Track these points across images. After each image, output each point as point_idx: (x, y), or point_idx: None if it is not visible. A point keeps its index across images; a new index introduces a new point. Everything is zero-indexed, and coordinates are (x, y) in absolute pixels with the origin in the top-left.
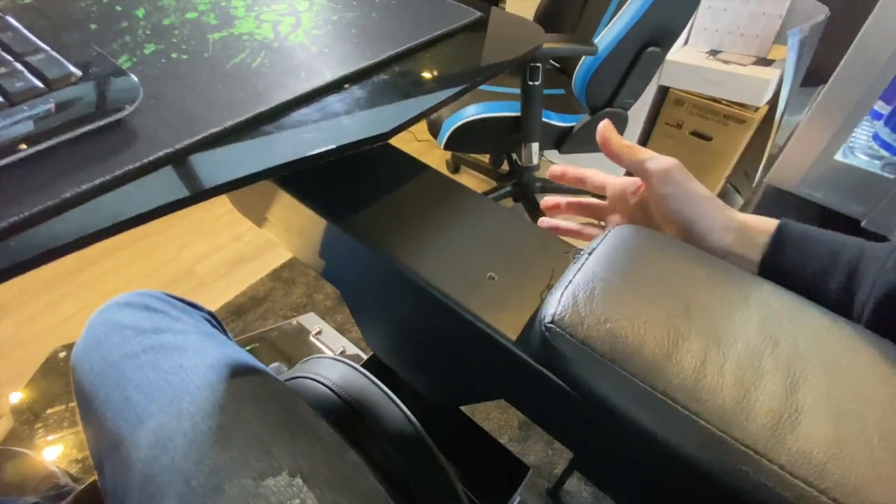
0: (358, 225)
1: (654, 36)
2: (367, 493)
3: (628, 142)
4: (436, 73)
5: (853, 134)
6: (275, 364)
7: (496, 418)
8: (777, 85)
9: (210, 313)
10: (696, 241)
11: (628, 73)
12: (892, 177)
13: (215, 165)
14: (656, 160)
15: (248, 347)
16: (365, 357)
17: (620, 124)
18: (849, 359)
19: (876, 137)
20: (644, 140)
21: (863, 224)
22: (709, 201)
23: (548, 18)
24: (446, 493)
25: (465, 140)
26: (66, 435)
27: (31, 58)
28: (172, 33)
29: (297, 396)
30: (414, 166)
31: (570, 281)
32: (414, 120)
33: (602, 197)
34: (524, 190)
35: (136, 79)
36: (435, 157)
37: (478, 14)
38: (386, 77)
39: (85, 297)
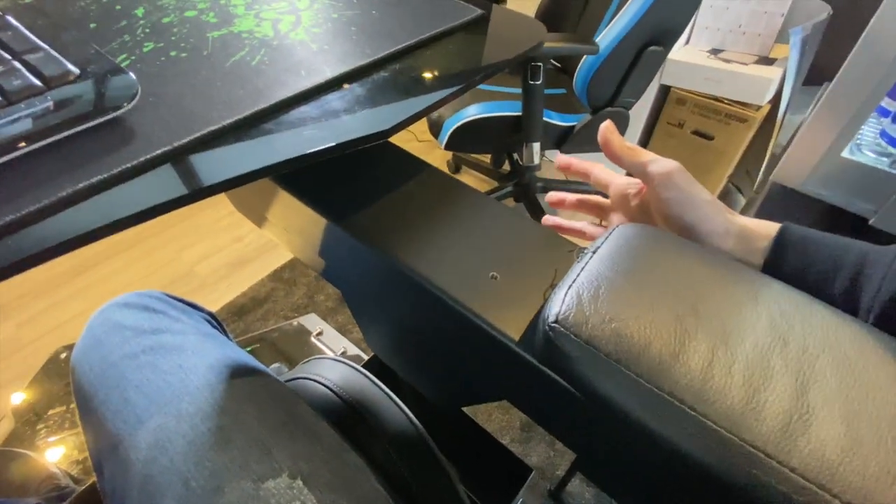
0: (358, 224)
1: (656, 35)
2: (368, 495)
3: (630, 143)
4: (436, 70)
5: (860, 131)
6: (275, 365)
7: (498, 419)
8: (779, 84)
9: (210, 314)
10: (698, 244)
11: (629, 72)
12: None
13: (214, 163)
14: (658, 163)
15: (248, 348)
16: (366, 358)
17: (622, 124)
18: (859, 358)
19: (883, 134)
20: (645, 139)
21: (871, 222)
22: (710, 205)
23: (549, 17)
24: (448, 494)
25: (466, 140)
26: (68, 436)
27: (29, 56)
28: (171, 32)
29: (297, 397)
30: (415, 165)
31: (574, 280)
32: (414, 117)
33: (606, 196)
34: (525, 190)
35: (134, 77)
36: (436, 157)
37: (479, 11)
38: (386, 75)
39: (86, 299)
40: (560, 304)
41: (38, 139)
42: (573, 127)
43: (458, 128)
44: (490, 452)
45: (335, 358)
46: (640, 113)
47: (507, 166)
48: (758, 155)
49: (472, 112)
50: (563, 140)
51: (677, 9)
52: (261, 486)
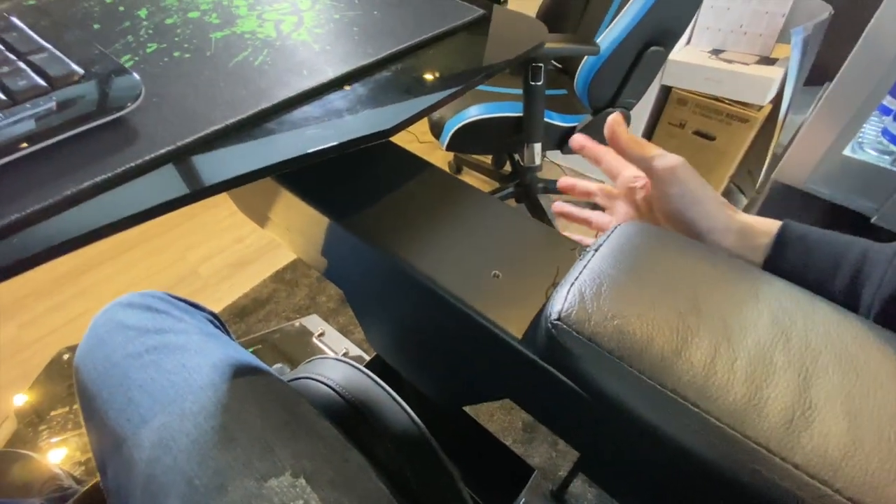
0: (360, 223)
1: (657, 35)
2: (370, 494)
3: (636, 137)
4: (437, 71)
5: (862, 129)
6: (278, 365)
7: (500, 420)
8: (780, 84)
9: (212, 314)
10: (697, 240)
11: (630, 72)
12: None
13: (217, 163)
14: (663, 158)
15: (250, 349)
16: (368, 358)
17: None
18: (862, 354)
19: (885, 133)
20: (647, 140)
21: (873, 220)
22: (712, 201)
23: (550, 18)
24: (450, 493)
25: (467, 141)
26: (70, 437)
27: (34, 57)
28: (175, 32)
29: (299, 397)
30: (416, 164)
31: (577, 278)
32: (416, 117)
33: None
34: (527, 190)
35: (138, 77)
36: (437, 158)
37: (480, 12)
38: (388, 74)
39: (88, 300)
40: (562, 301)
41: (44, 139)
42: (574, 128)
43: (459, 129)
44: (492, 453)
45: (337, 358)
46: (641, 113)
47: (508, 167)
48: (759, 155)
49: (474, 113)
50: (564, 141)
51: (678, 9)
52: (264, 484)
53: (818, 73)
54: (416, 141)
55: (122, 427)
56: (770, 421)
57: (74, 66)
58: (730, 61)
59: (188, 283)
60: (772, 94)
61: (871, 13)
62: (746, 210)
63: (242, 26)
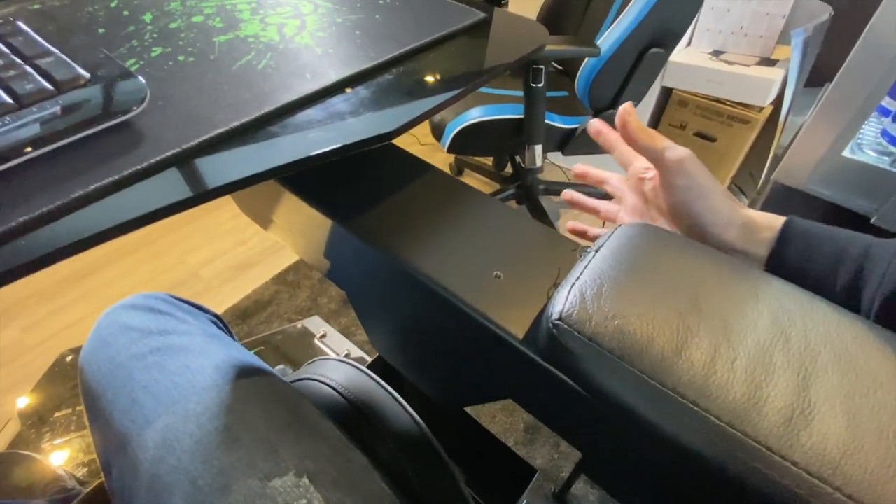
0: (363, 224)
1: (657, 37)
2: (373, 494)
3: (647, 128)
4: (439, 73)
5: (861, 130)
6: (280, 367)
7: (501, 421)
8: (781, 85)
9: (215, 315)
10: (700, 233)
11: (631, 74)
12: None
13: (221, 165)
14: (672, 150)
15: (253, 351)
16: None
17: None
18: (861, 354)
19: (884, 134)
20: None
21: (872, 221)
22: (717, 195)
23: (551, 20)
24: (452, 494)
25: (468, 143)
26: (73, 439)
27: (40, 61)
28: (179, 37)
29: (302, 397)
30: (418, 166)
31: (577, 278)
32: (418, 119)
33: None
34: (528, 192)
35: (143, 81)
36: (438, 160)
37: (481, 15)
38: (390, 77)
39: (90, 302)
40: (563, 301)
41: (51, 142)
42: (575, 129)
43: (460, 131)
44: (494, 454)
45: (339, 359)
46: (642, 115)
47: (509, 169)
48: (760, 156)
49: (475, 115)
50: (565, 142)
51: (679, 11)
52: (267, 484)
53: (819, 74)
54: (418, 143)
55: (126, 428)
56: (770, 419)
57: (80, 70)
58: (730, 63)
59: (190, 285)
60: (772, 96)
61: (871, 14)
62: None
63: (246, 30)
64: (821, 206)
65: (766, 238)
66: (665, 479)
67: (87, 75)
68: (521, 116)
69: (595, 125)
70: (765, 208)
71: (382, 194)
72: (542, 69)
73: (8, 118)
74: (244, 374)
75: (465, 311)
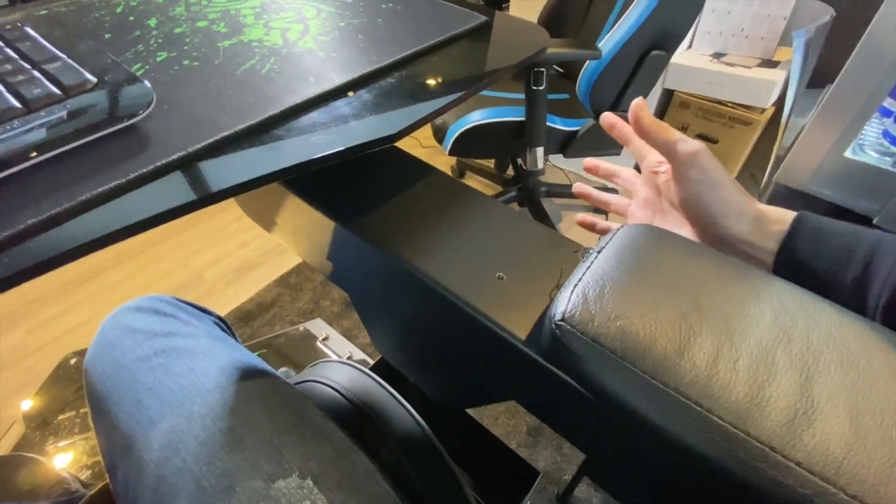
0: (365, 226)
1: (658, 39)
2: (376, 495)
3: (660, 121)
4: (441, 76)
5: (863, 131)
6: (283, 369)
7: (504, 423)
8: (783, 86)
9: (219, 318)
10: (712, 225)
11: (632, 76)
12: None
13: (226, 168)
14: (686, 143)
15: (256, 353)
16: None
17: None
18: (863, 354)
19: (886, 134)
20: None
21: (874, 221)
22: (729, 188)
23: (551, 23)
24: (454, 496)
25: (469, 145)
26: (77, 441)
27: (48, 66)
28: (184, 41)
29: (306, 399)
30: (420, 168)
31: (580, 279)
32: (420, 122)
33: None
34: (529, 194)
35: (149, 85)
36: (440, 162)
37: (482, 18)
38: (392, 81)
39: (94, 305)
40: (566, 302)
41: (59, 145)
42: (576, 131)
43: (462, 133)
44: (497, 456)
45: (342, 361)
46: None
47: (510, 171)
48: (762, 158)
49: (476, 117)
50: (566, 145)
51: (679, 13)
52: (271, 485)
53: (820, 75)
54: (419, 146)
55: (131, 429)
56: (772, 419)
57: (88, 75)
58: (732, 64)
59: (193, 288)
60: (774, 97)
61: (872, 15)
62: None
63: (250, 35)
64: (823, 208)
65: (777, 231)
66: (668, 481)
67: (94, 80)
68: (523, 119)
69: (609, 118)
70: None
71: (385, 196)
72: (543, 72)
73: (16, 122)
74: (248, 376)
75: (467, 313)
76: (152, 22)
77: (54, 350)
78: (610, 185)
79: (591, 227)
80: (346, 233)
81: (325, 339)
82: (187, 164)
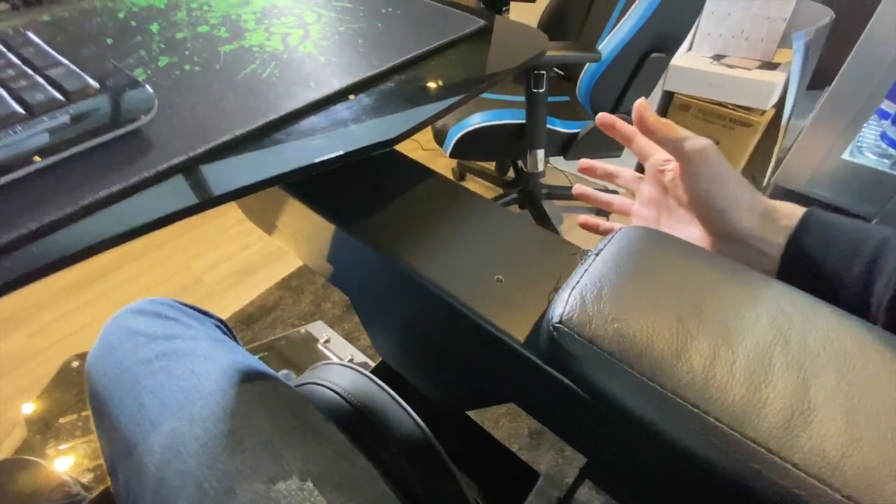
0: (365, 229)
1: (658, 42)
2: (376, 498)
3: (665, 119)
4: (440, 80)
5: (861, 133)
6: (284, 372)
7: (506, 426)
8: (783, 88)
9: (220, 320)
10: (721, 220)
11: (632, 79)
12: None
13: (227, 172)
14: (694, 140)
15: (257, 356)
16: (373, 364)
17: None
18: (860, 356)
19: (884, 136)
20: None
21: (872, 223)
22: (739, 183)
23: (552, 25)
24: (455, 499)
25: (470, 148)
26: (79, 444)
27: (51, 71)
28: (185, 46)
29: (306, 401)
30: (420, 172)
31: (578, 282)
32: (419, 126)
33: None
34: (530, 197)
35: (150, 90)
36: (441, 165)
37: (482, 23)
38: (392, 85)
39: (96, 308)
40: (564, 305)
41: (62, 150)
42: (577, 134)
43: (462, 136)
44: (498, 458)
45: (343, 363)
46: None
47: (511, 173)
48: (763, 159)
49: (477, 120)
50: (567, 147)
51: (679, 15)
52: (272, 487)
53: (821, 76)
54: (420, 148)
55: (132, 432)
56: (769, 421)
57: (90, 80)
58: (732, 66)
59: (194, 290)
60: (774, 99)
61: (871, 17)
62: None
63: (250, 40)
64: None
65: (786, 226)
66: (667, 483)
67: (97, 85)
68: (523, 121)
69: (605, 118)
70: None
71: (385, 200)
72: (543, 75)
73: (19, 127)
74: (249, 378)
75: (466, 315)
76: (154, 27)
77: (56, 353)
78: (611, 186)
79: (593, 228)
80: (346, 236)
81: (327, 341)
82: (189, 169)
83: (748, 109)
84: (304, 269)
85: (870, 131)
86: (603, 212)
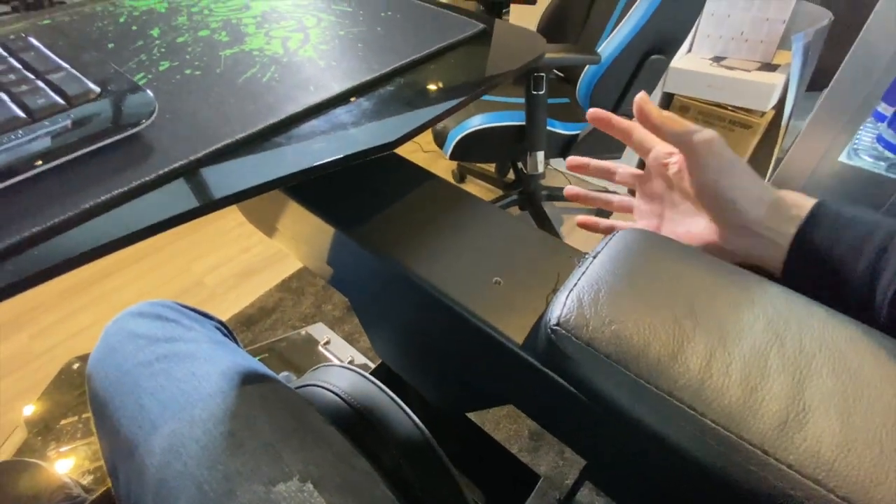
0: (365, 232)
1: (658, 43)
2: (376, 499)
3: (668, 112)
4: (440, 83)
5: (857, 136)
6: (284, 373)
7: (506, 428)
8: (783, 90)
9: (221, 322)
10: (730, 211)
11: (632, 80)
12: None
13: (228, 176)
14: (700, 132)
15: (257, 358)
16: (373, 366)
17: None
18: (855, 357)
19: (880, 139)
20: None
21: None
22: (746, 173)
23: (552, 27)
24: (454, 501)
25: (470, 150)
26: (79, 446)
27: (52, 76)
28: (186, 50)
29: (307, 403)
30: (420, 175)
31: (575, 284)
32: (419, 129)
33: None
34: (530, 198)
35: (151, 94)
36: (441, 167)
37: (481, 26)
38: (391, 88)
39: (97, 310)
40: (561, 307)
41: (63, 155)
42: (577, 135)
43: (462, 138)
44: (498, 460)
45: (343, 365)
46: None
47: (511, 175)
48: (763, 161)
49: (476, 122)
50: (567, 148)
51: (679, 17)
52: (272, 489)
53: (820, 78)
54: (420, 150)
55: (133, 433)
56: (765, 422)
57: (91, 85)
58: (731, 68)
59: (195, 293)
60: (774, 101)
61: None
62: None
63: (251, 44)
64: None
65: (795, 216)
66: (666, 484)
67: (98, 89)
68: (523, 123)
69: (596, 113)
70: None
71: (385, 202)
72: (543, 77)
73: (21, 132)
74: (249, 380)
75: (465, 317)
76: (155, 31)
77: (57, 355)
78: (611, 186)
79: (593, 228)
80: (346, 238)
81: (327, 343)
82: (189, 172)
83: (748, 111)
84: (305, 272)
85: (866, 133)
86: (604, 212)
